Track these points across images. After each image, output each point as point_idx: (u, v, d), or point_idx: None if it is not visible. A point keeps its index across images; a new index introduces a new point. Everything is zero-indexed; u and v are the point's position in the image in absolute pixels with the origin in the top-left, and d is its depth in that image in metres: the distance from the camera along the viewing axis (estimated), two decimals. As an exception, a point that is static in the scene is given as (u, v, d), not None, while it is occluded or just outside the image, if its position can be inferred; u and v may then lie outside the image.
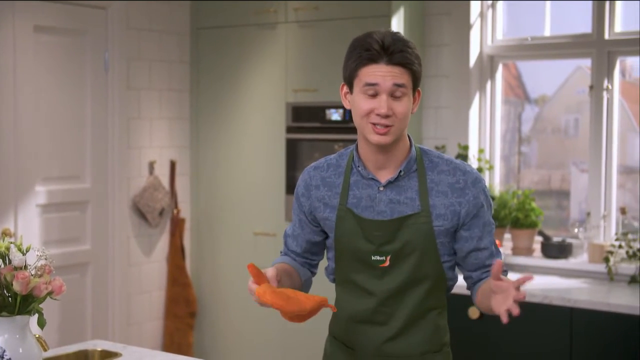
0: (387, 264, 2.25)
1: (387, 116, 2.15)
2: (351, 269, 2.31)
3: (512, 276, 4.24)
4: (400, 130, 2.20)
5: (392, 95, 2.16)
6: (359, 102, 2.19)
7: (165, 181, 5.03)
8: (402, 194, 2.25)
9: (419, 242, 2.23)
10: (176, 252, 5.06)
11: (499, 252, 2.33)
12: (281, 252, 2.50)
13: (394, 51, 2.15)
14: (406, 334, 2.30)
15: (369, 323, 2.31)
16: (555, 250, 4.33)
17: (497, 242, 4.34)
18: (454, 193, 2.23)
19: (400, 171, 2.24)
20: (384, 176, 2.26)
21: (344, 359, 2.38)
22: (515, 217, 4.43)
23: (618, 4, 4.26)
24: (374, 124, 2.17)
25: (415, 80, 2.20)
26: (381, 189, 2.25)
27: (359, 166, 2.28)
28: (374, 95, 2.16)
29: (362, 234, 2.26)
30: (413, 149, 2.28)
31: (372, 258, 2.26)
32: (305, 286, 2.45)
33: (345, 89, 2.26)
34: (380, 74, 2.15)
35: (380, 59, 2.15)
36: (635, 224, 4.20)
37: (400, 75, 2.16)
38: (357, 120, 2.21)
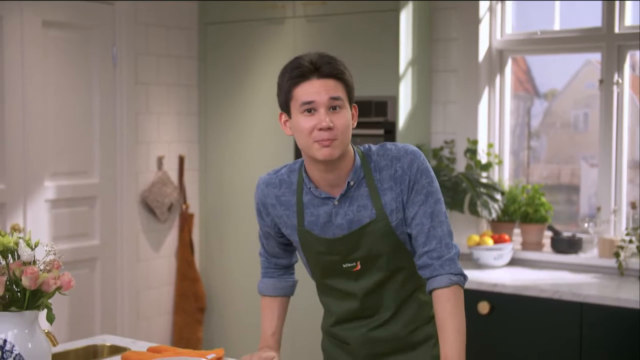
0: (358, 267, 2.31)
1: (329, 129, 2.15)
2: (325, 275, 2.37)
3: (522, 271, 4.22)
4: (345, 144, 2.20)
5: (330, 109, 2.16)
6: (299, 123, 2.19)
7: (173, 176, 5.03)
8: (355, 203, 2.26)
9: (383, 245, 2.27)
10: (185, 248, 5.06)
11: (444, 233, 2.25)
12: (261, 264, 2.55)
13: (322, 64, 2.16)
14: (394, 319, 2.36)
15: (357, 319, 2.38)
16: (565, 245, 4.31)
17: (506, 237, 4.33)
18: (396, 183, 2.25)
19: (349, 182, 2.25)
20: (337, 192, 2.28)
21: (342, 354, 2.45)
22: (525, 211, 4.42)
23: (628, -2, 4.24)
24: (319, 141, 2.17)
25: (349, 91, 2.21)
26: (336, 203, 2.27)
27: (310, 188, 2.29)
28: (313, 113, 2.17)
29: (326, 249, 2.30)
30: (357, 157, 2.28)
31: (344, 266, 2.31)
32: (291, 292, 2.56)
33: (284, 117, 2.27)
34: (314, 89, 2.16)
35: (311, 74, 2.16)
36: (646, 218, 4.18)
37: (334, 88, 2.16)
38: (302, 143, 2.21)
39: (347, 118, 2.18)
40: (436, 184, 2.27)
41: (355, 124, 2.26)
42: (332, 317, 2.43)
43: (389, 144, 2.30)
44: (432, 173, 2.27)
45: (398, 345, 2.37)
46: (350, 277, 2.32)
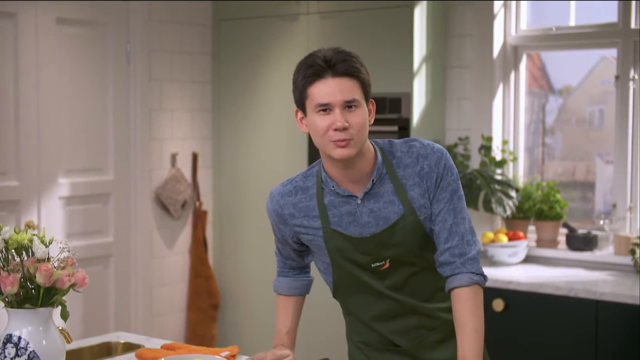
0: (387, 266, 2.28)
1: (344, 129, 2.13)
2: (352, 273, 2.32)
3: (536, 269, 4.20)
4: (361, 142, 2.17)
5: (346, 108, 2.14)
6: (315, 122, 2.17)
7: (187, 173, 5.03)
8: (380, 199, 2.24)
9: (413, 241, 2.25)
10: (198, 245, 5.06)
11: (466, 232, 2.26)
12: (277, 263, 2.53)
13: (337, 62, 2.13)
14: (438, 307, 2.34)
15: (395, 317, 2.34)
16: (581, 242, 4.29)
17: (520, 234, 4.31)
18: (422, 179, 2.23)
19: (373, 180, 2.23)
20: (359, 189, 2.25)
21: (389, 357, 2.40)
22: (540, 208, 4.39)
23: (644, -7, 4.20)
24: (334, 141, 2.15)
25: (365, 89, 2.18)
26: (359, 202, 2.25)
27: (333, 187, 2.26)
28: (328, 112, 2.15)
29: (355, 249, 2.27)
30: (378, 154, 2.26)
31: (372, 265, 2.28)
32: (307, 291, 2.56)
33: (300, 114, 2.25)
34: (329, 90, 2.13)
35: (325, 72, 2.14)
36: (662, 215, 4.15)
37: (349, 88, 2.13)
38: (317, 141, 2.19)
39: (363, 116, 2.16)
40: (459, 182, 2.28)
41: (373, 120, 2.23)
42: (365, 319, 2.38)
43: (412, 140, 2.28)
44: (456, 171, 2.27)
45: (449, 328, 2.34)
46: (376, 276, 2.29)
